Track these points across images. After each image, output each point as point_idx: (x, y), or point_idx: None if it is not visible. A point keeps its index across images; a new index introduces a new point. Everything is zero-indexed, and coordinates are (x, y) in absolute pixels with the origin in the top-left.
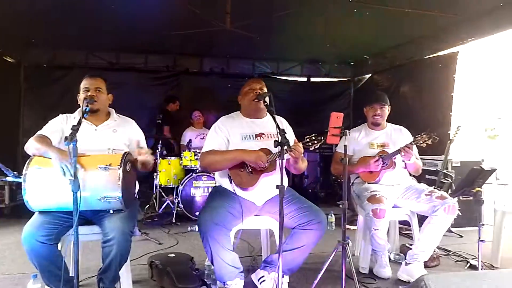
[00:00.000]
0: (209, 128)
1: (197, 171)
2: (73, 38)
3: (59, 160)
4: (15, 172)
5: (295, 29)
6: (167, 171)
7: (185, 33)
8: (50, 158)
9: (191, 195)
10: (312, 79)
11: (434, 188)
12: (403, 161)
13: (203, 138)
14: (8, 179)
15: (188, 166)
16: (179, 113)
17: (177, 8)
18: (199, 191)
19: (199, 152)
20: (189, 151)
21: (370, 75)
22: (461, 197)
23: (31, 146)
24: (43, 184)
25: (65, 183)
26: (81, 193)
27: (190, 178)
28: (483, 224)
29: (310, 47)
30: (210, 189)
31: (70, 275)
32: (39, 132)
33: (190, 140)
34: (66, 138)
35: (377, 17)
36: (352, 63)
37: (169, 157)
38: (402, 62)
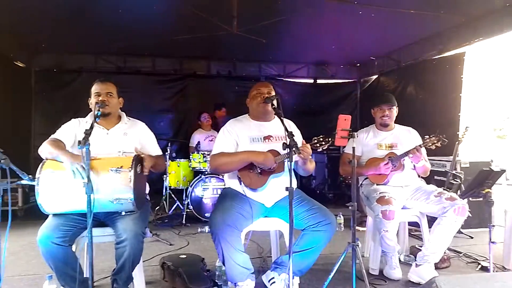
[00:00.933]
0: (217, 130)
1: (206, 173)
2: (82, 42)
3: (70, 163)
4: (29, 176)
5: (301, 32)
6: (176, 173)
7: (192, 37)
8: (62, 162)
9: (200, 196)
10: (319, 81)
11: (443, 189)
12: (412, 162)
13: (211, 140)
14: (23, 182)
15: (197, 168)
16: (226, 119)
17: (183, 12)
18: (208, 193)
19: (208, 154)
20: (198, 153)
21: (376, 76)
22: (471, 198)
23: (45, 149)
24: (57, 187)
25: (78, 186)
26: (94, 195)
27: (199, 179)
28: (493, 226)
29: (316, 49)
30: (219, 191)
31: (85, 276)
32: (53, 136)
33: (198, 142)
34: (79, 142)
35: (383, 18)
36: (358, 65)
37: (178, 159)
38: (409, 63)
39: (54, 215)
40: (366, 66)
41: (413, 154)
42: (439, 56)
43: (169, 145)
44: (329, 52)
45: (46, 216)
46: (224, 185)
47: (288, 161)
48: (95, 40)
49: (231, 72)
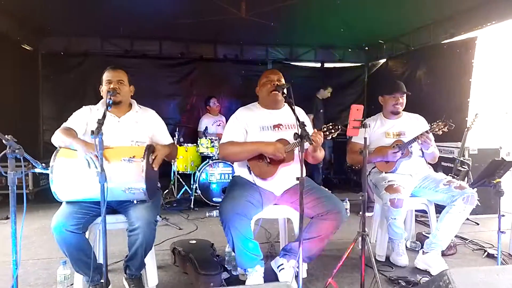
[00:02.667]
0: (224, 115)
1: (213, 158)
2: (88, 25)
3: (84, 152)
4: (43, 164)
5: (309, 14)
6: (184, 158)
7: (199, 20)
8: (76, 150)
9: (208, 181)
10: (326, 65)
11: (451, 177)
12: (421, 150)
13: (219, 125)
14: (37, 170)
15: (204, 153)
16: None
17: None
18: (216, 178)
19: (215, 139)
20: (206, 138)
21: (384, 60)
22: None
23: (58, 138)
24: (70, 175)
25: (92, 174)
26: (107, 185)
27: (207, 164)
28: (503, 215)
29: (324, 32)
30: (226, 176)
31: (98, 262)
32: (65, 124)
33: (206, 127)
34: (92, 131)
35: (393, 0)
36: (366, 48)
37: (186, 144)
38: (418, 47)
39: (68, 202)
40: (374, 49)
41: (422, 141)
42: (450, 40)
43: (177, 129)
44: (336, 35)
45: (58, 200)
46: (232, 171)
47: (299, 151)
48: (102, 23)
49: (238, 56)
